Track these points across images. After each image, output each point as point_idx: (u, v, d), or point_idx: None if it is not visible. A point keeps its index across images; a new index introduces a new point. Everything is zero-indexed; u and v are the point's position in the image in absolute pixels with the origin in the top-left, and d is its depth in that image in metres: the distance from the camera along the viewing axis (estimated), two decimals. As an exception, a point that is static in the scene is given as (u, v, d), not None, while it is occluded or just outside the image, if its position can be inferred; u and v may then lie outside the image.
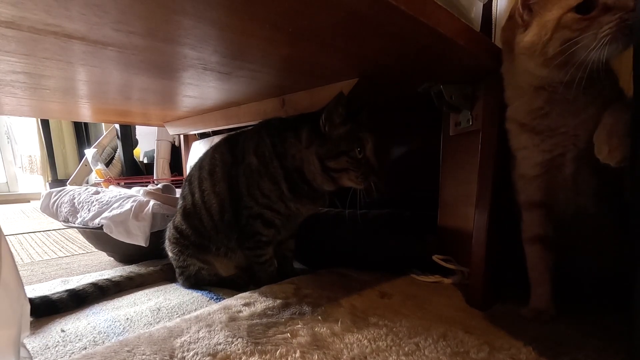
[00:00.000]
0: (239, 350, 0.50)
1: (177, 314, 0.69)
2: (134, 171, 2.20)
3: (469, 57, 0.61)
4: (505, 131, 0.65)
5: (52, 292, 0.73)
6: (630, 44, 0.48)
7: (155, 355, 0.47)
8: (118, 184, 1.87)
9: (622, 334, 0.56)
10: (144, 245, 0.96)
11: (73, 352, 0.55)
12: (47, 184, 3.31)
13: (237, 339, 0.53)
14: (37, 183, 3.45)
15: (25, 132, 3.33)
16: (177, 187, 1.25)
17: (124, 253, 1.08)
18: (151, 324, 0.64)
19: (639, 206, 0.46)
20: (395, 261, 0.90)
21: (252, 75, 0.72)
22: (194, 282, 0.84)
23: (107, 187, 1.69)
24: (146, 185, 1.38)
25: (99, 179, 2.02)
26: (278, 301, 0.68)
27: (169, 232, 0.88)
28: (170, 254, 0.87)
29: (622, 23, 0.47)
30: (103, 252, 1.17)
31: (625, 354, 0.51)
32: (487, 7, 0.86)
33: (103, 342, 0.58)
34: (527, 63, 0.56)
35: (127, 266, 1.04)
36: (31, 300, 0.67)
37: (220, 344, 0.51)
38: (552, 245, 0.64)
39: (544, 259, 0.64)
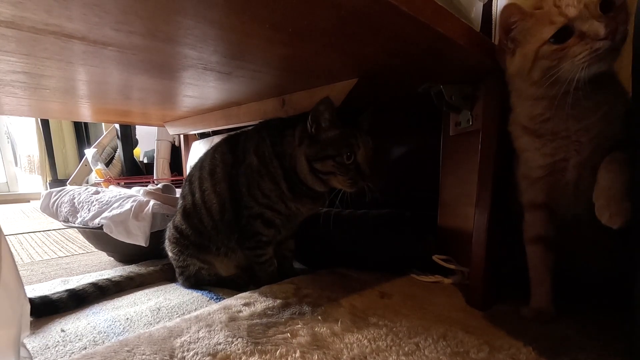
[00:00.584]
0: (238, 350, 0.50)
1: (177, 313, 0.69)
2: (134, 171, 2.20)
3: (468, 57, 0.61)
4: (508, 132, 0.65)
5: (52, 292, 0.73)
6: (612, 63, 0.50)
7: (155, 355, 0.47)
8: (118, 184, 1.87)
9: (622, 334, 0.56)
10: (143, 245, 0.96)
11: (73, 352, 0.55)
12: (47, 183, 3.31)
13: (237, 339, 0.53)
14: (37, 183, 3.45)
15: (25, 132, 3.32)
16: (177, 187, 1.25)
17: (124, 253, 1.08)
18: (151, 324, 0.64)
19: (638, 208, 0.46)
20: (395, 261, 0.90)
21: (252, 75, 0.72)
22: (194, 282, 0.84)
23: (107, 187, 1.69)
24: (146, 185, 1.38)
25: (99, 178, 2.02)
26: (278, 301, 0.68)
27: (168, 232, 0.88)
28: (170, 254, 0.87)
29: (593, 53, 0.48)
30: (103, 252, 1.17)
31: (626, 354, 0.51)
32: (487, 7, 0.86)
33: (103, 342, 0.58)
34: (518, 83, 0.59)
35: (127, 266, 1.04)
36: (31, 300, 0.67)
37: (220, 343, 0.51)
38: (553, 246, 0.64)
39: (544, 259, 0.64)
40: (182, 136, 1.67)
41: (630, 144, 0.51)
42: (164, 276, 0.91)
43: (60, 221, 1.12)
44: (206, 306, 0.69)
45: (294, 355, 0.49)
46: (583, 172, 0.58)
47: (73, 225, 1.06)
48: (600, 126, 0.54)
